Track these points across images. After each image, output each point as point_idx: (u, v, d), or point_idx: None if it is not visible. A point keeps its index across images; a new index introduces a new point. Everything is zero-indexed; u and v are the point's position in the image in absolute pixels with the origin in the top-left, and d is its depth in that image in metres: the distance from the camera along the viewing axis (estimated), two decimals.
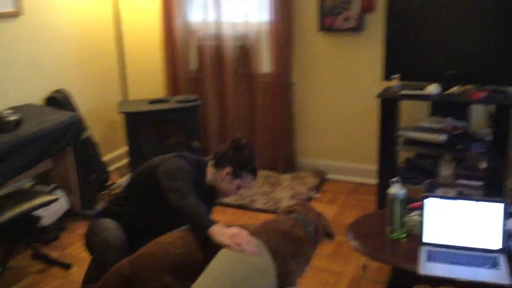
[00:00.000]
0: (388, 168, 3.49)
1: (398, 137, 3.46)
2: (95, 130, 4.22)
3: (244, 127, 4.52)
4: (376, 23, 3.87)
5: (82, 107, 4.08)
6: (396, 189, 2.45)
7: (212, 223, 2.05)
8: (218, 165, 2.43)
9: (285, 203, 3.82)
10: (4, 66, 3.52)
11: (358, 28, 3.92)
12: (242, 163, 2.41)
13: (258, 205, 3.83)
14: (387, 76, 3.47)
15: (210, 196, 2.49)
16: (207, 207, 2.40)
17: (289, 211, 2.39)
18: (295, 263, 2.21)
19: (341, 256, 3.17)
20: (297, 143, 4.45)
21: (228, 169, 2.40)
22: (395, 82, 3.40)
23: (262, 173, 4.38)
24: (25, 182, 3.67)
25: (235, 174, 2.40)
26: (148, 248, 2.10)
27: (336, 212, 3.77)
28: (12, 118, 3.15)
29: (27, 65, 3.69)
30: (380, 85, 3.57)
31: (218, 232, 2.01)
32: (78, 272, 3.05)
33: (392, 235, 2.48)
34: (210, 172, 2.47)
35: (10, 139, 3.01)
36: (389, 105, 3.40)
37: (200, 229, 2.05)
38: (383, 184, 3.45)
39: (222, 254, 1.95)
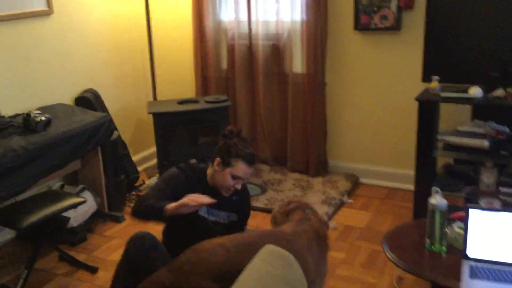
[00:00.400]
0: (426, 173, 3.33)
1: (437, 141, 3.30)
2: (124, 130, 4.18)
3: (275, 128, 4.41)
4: (415, 21, 3.70)
5: (112, 107, 4.04)
6: (437, 199, 2.30)
7: (164, 204, 2.22)
8: (211, 160, 2.43)
9: (316, 208, 3.67)
10: (35, 65, 3.50)
11: (395, 27, 3.76)
12: (230, 150, 2.37)
13: None
14: (426, 77, 3.31)
15: (217, 197, 2.37)
16: (217, 209, 2.44)
17: (299, 207, 2.46)
18: (324, 264, 2.30)
19: (375, 267, 3.03)
20: (329, 145, 4.32)
21: (217, 160, 2.39)
22: (434, 84, 3.24)
23: (292, 176, 4.27)
24: (54, 182, 3.65)
25: (224, 163, 2.37)
26: (187, 256, 2.04)
27: (370, 218, 3.62)
28: (42, 118, 3.11)
29: (57, 65, 3.67)
30: (418, 87, 3.40)
31: (172, 204, 2.20)
32: (104, 276, 3.00)
33: (431, 248, 2.34)
34: (209, 172, 2.47)
35: (39, 140, 2.97)
36: (428, 108, 3.23)
37: (158, 213, 2.22)
38: (420, 191, 3.29)
39: (252, 268, 1.85)
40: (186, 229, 2.39)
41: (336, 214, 3.69)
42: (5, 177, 2.74)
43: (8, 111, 3.27)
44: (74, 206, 3.01)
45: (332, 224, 3.49)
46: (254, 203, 3.79)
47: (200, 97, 4.25)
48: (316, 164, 4.27)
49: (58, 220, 3.35)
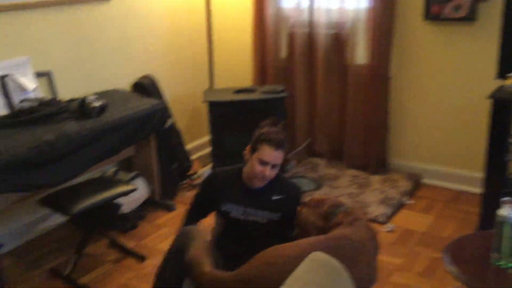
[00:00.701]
0: (496, 177, 3.06)
1: (510, 144, 3.01)
2: (179, 118, 4.14)
3: (334, 121, 4.23)
4: (492, 12, 3.40)
5: (168, 94, 4.00)
6: (508, 211, 2.07)
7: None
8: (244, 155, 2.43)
9: (374, 208, 3.50)
10: (93, 50, 3.50)
11: (470, 17, 3.47)
12: (258, 136, 2.37)
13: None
14: (502, 73, 3.02)
15: (254, 196, 2.39)
16: (255, 208, 2.37)
17: (336, 205, 2.29)
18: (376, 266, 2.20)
19: (435, 276, 2.83)
20: (391, 142, 4.09)
21: (247, 149, 2.40)
22: (510, 81, 2.95)
23: (349, 172, 4.08)
24: (109, 167, 3.66)
25: (252, 150, 2.36)
26: (259, 269, 1.96)
27: (431, 222, 3.39)
28: (97, 104, 3.10)
29: (115, 50, 3.66)
30: (492, 84, 3.12)
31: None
32: (151, 265, 2.97)
33: (499, 263, 2.12)
34: (244, 169, 2.42)
35: (93, 126, 2.96)
36: (502, 107, 2.95)
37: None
38: (489, 196, 3.04)
39: (296, 276, 1.73)
40: (230, 230, 2.39)
41: (395, 215, 3.48)
42: (58, 162, 2.75)
43: (65, 96, 3.30)
44: (125, 193, 2.99)
45: (389, 226, 3.31)
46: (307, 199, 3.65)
47: (257, 86, 4.13)
48: (375, 161, 4.06)
49: (110, 206, 3.36)
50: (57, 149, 2.72)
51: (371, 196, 3.68)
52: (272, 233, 2.37)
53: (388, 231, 3.28)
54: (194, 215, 2.49)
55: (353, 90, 4.02)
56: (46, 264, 3.02)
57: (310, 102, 4.26)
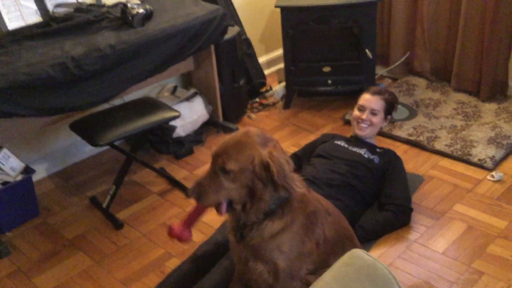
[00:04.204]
0: None
1: None
2: (251, 26, 3.54)
3: (441, 33, 3.37)
4: None
5: None
6: None
7: None
8: None
9: (480, 149, 2.76)
10: None
11: None
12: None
13: (440, 145, 2.84)
14: None
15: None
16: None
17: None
18: None
19: None
20: None
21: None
22: None
23: (456, 97, 3.29)
24: (168, 81, 3.25)
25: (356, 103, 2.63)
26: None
27: None
28: (139, 10, 2.61)
29: None
30: None
31: None
32: None
33: None
34: None
35: (132, 38, 2.50)
36: None
37: None
38: None
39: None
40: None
41: (506, 160, 2.72)
42: (86, 82, 2.36)
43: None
44: (165, 121, 2.57)
45: (497, 174, 2.59)
46: (395, 131, 2.98)
47: None
48: (491, 84, 3.21)
49: (162, 128, 2.98)
50: (84, 66, 2.31)
51: (478, 131, 2.91)
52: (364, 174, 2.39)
53: (494, 181, 2.57)
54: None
55: None
56: (87, 191, 2.76)
57: (411, 9, 3.41)
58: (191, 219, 1.73)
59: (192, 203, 2.56)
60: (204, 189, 1.53)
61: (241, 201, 1.58)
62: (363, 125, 2.51)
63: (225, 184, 1.53)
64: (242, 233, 1.65)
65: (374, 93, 2.52)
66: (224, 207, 1.58)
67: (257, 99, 3.54)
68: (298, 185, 1.63)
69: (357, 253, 1.21)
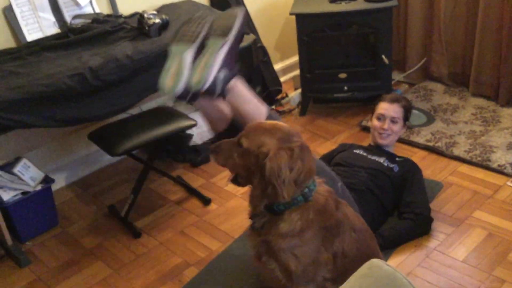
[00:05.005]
0: None
1: None
2: (266, 33, 3.54)
3: (458, 38, 3.34)
4: None
5: (253, 5, 3.40)
6: None
7: None
8: None
9: (499, 155, 2.72)
10: None
11: None
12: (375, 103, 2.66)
13: (458, 151, 2.81)
14: None
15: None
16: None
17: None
18: None
19: None
20: None
21: (369, 118, 2.70)
22: None
23: (474, 102, 3.25)
24: None
25: (372, 113, 2.62)
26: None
27: None
28: (156, 21, 2.63)
29: None
30: None
31: None
32: (215, 211, 2.60)
33: None
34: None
35: (149, 48, 2.49)
36: None
37: None
38: None
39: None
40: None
41: None
42: (104, 92, 2.36)
43: (128, 10, 2.86)
44: (181, 130, 2.58)
45: None
46: (413, 138, 2.96)
47: None
48: (509, 89, 3.17)
49: (179, 137, 3.00)
50: (101, 76, 2.32)
51: (498, 137, 2.87)
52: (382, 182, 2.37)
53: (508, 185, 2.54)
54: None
55: None
56: (105, 200, 2.78)
57: (428, 13, 3.38)
58: None
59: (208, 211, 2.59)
60: (220, 150, 1.69)
61: (245, 178, 1.69)
62: (384, 135, 2.51)
63: (235, 155, 1.66)
64: (254, 221, 1.73)
65: (392, 101, 2.52)
66: (230, 175, 1.74)
67: (273, 106, 3.54)
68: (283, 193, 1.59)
69: (375, 263, 1.20)
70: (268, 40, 3.59)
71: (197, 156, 3.05)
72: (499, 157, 2.69)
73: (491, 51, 3.17)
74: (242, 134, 1.66)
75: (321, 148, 2.99)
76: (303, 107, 3.42)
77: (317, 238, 1.66)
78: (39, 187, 2.51)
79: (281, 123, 1.71)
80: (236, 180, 1.74)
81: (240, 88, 1.93)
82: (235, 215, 2.56)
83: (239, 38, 1.92)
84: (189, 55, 1.84)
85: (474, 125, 3.03)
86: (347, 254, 1.71)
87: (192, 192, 2.76)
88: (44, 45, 2.54)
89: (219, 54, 1.82)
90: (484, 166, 2.69)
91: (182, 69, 1.80)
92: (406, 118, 2.54)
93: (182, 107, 2.95)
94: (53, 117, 2.27)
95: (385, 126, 2.49)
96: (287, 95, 3.63)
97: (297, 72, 3.60)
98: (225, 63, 1.83)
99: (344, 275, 1.68)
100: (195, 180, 2.88)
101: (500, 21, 3.05)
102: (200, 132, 3.07)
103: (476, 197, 2.51)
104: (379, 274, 1.18)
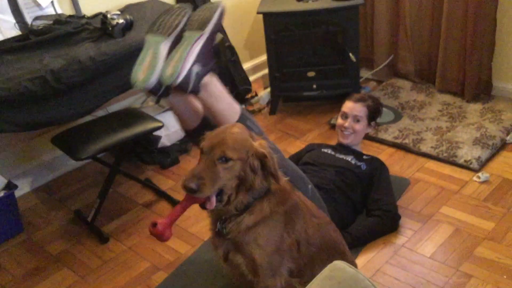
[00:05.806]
0: None
1: None
2: (234, 32, 3.52)
3: (424, 35, 3.38)
4: None
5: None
6: None
7: None
8: None
9: (465, 150, 2.76)
10: None
11: None
12: None
13: (425, 147, 2.84)
14: None
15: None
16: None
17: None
18: None
19: None
20: (496, 62, 3.19)
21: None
22: None
23: (441, 98, 3.29)
24: None
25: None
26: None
27: None
28: (120, 21, 2.58)
29: None
30: None
31: None
32: (185, 214, 2.54)
33: None
34: None
35: (112, 49, 2.44)
36: None
37: None
38: None
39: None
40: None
41: (492, 161, 2.72)
42: (66, 95, 2.31)
43: (91, 11, 2.81)
44: (148, 132, 2.54)
45: (483, 175, 2.59)
46: (381, 135, 2.98)
47: None
48: (475, 84, 3.23)
49: (147, 139, 2.95)
50: (64, 79, 2.27)
51: (463, 132, 2.91)
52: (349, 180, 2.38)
53: (480, 182, 2.57)
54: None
55: None
56: (72, 205, 2.72)
57: (393, 11, 3.41)
58: (176, 217, 1.64)
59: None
60: (202, 181, 1.51)
61: (231, 192, 1.60)
62: (346, 132, 2.52)
63: (221, 173, 1.54)
64: (222, 227, 1.69)
65: (357, 100, 2.52)
66: (214, 199, 1.58)
67: (243, 106, 3.52)
68: (281, 177, 1.68)
69: (338, 266, 1.20)
70: (237, 39, 3.57)
71: (166, 158, 3.01)
72: (465, 153, 2.73)
73: (456, 48, 3.21)
74: (218, 148, 1.54)
75: (291, 147, 2.99)
76: (273, 106, 3.41)
77: (280, 223, 1.68)
78: (1, 194, 2.44)
79: (233, 124, 1.70)
80: (217, 201, 1.59)
81: (214, 85, 1.86)
82: (205, 217, 2.49)
83: (215, 32, 1.88)
84: (164, 47, 1.80)
85: (440, 121, 3.07)
86: (311, 240, 1.73)
87: (161, 194, 2.73)
88: (4, 47, 2.47)
89: (194, 47, 1.77)
90: (451, 162, 2.72)
91: (156, 61, 1.75)
92: (372, 118, 2.55)
93: (150, 109, 2.91)
94: (14, 122, 2.21)
95: (346, 124, 2.50)
96: (256, 94, 3.62)
97: (266, 71, 3.58)
98: (200, 58, 1.78)
99: (309, 265, 1.71)
100: (164, 182, 2.84)
101: (465, 17, 3.09)
102: (168, 133, 3.02)
103: (443, 193, 2.54)
104: (342, 276, 1.18)
